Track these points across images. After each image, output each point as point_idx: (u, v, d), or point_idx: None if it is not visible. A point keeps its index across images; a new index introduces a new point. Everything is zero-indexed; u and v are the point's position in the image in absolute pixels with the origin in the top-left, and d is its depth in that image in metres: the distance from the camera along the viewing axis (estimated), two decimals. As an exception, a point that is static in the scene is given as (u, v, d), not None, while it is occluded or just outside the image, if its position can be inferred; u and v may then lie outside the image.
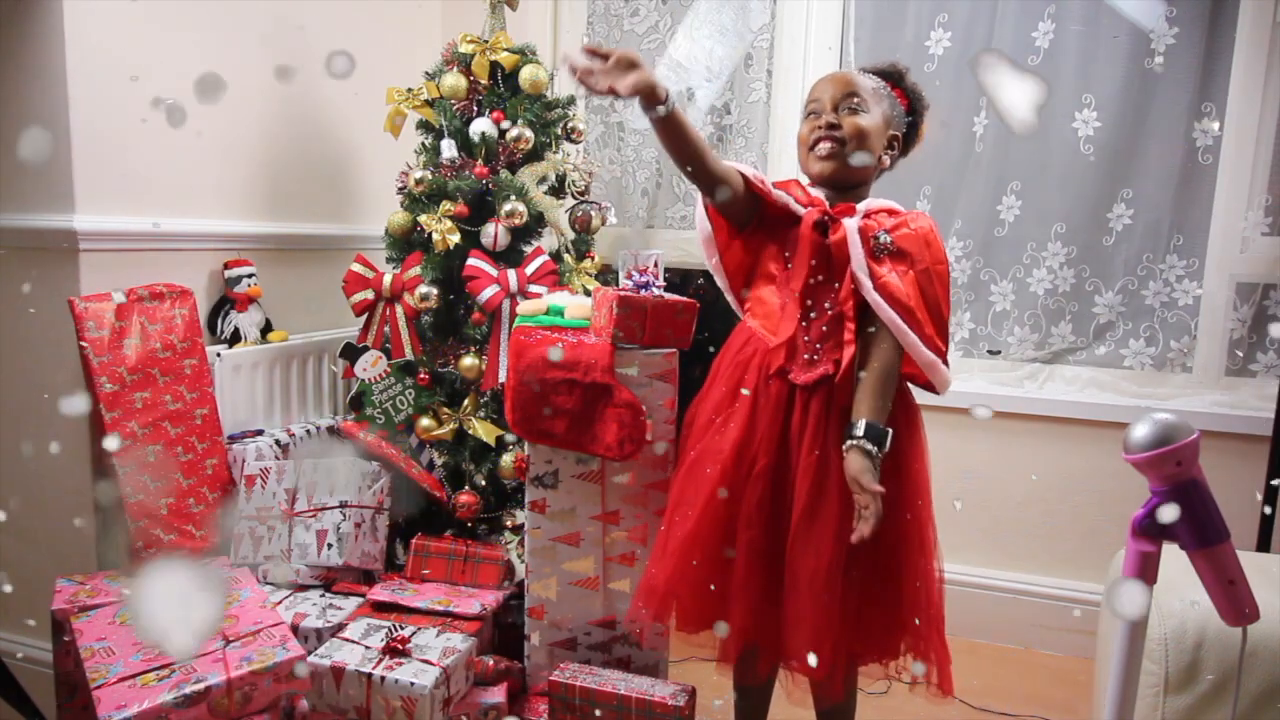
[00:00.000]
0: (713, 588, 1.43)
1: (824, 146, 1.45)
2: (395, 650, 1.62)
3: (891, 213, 1.47)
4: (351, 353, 2.09)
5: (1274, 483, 1.95)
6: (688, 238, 2.65)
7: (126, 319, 1.81)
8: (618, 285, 1.71)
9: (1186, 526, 0.95)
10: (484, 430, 2.03)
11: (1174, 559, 1.00)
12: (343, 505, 1.88)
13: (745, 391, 1.46)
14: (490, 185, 2.04)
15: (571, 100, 2.20)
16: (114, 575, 1.78)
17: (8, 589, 1.74)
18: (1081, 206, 2.29)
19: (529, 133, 2.06)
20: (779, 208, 1.47)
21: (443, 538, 2.00)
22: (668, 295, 1.67)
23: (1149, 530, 0.98)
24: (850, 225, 1.42)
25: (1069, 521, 2.34)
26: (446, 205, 2.02)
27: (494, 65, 2.08)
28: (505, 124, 2.07)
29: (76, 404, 1.80)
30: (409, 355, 2.07)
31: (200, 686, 1.37)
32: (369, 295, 2.08)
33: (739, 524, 1.42)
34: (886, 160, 1.52)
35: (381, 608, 1.80)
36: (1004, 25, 2.29)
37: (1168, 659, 1.43)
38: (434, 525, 2.10)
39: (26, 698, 1.54)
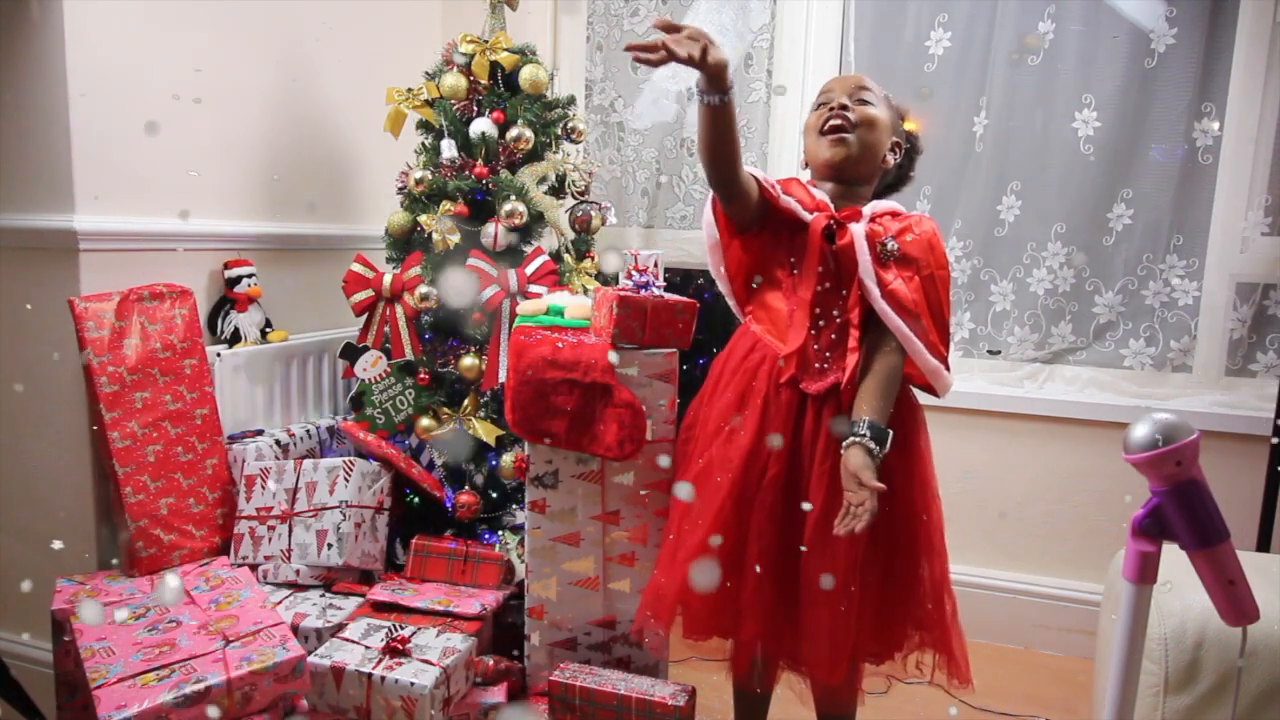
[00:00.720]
0: (727, 583, 1.43)
1: (833, 127, 1.45)
2: (395, 650, 1.62)
3: (896, 215, 1.48)
4: (351, 353, 2.09)
5: None
6: (688, 238, 2.65)
7: (126, 319, 1.81)
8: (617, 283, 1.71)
9: (1186, 526, 0.95)
10: (484, 430, 2.03)
11: (1174, 559, 1.00)
12: (343, 505, 1.88)
13: (736, 420, 1.46)
14: (490, 185, 2.04)
15: (571, 100, 2.20)
16: (114, 575, 1.78)
17: (25, 586, 1.73)
18: (1081, 206, 2.29)
19: (529, 133, 2.06)
20: (785, 211, 1.47)
21: (443, 538, 2.00)
22: (668, 295, 1.67)
23: (1149, 530, 0.98)
24: (857, 231, 1.42)
25: (1069, 521, 2.34)
26: (446, 205, 2.02)
27: (494, 65, 2.08)
28: (505, 124, 2.07)
29: (76, 404, 1.80)
30: (409, 355, 2.07)
31: (200, 686, 1.37)
32: (369, 295, 2.09)
33: (751, 533, 1.42)
34: (890, 161, 1.52)
35: (381, 608, 1.80)
36: (1004, 25, 2.29)
37: (1168, 659, 1.43)
38: (434, 525, 2.10)
39: (26, 698, 1.54)
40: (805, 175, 1.58)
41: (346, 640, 1.66)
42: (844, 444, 1.34)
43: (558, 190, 2.21)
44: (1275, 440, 1.97)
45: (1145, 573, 0.99)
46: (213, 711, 1.37)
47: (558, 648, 1.76)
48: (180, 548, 1.84)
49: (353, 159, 2.48)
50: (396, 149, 2.20)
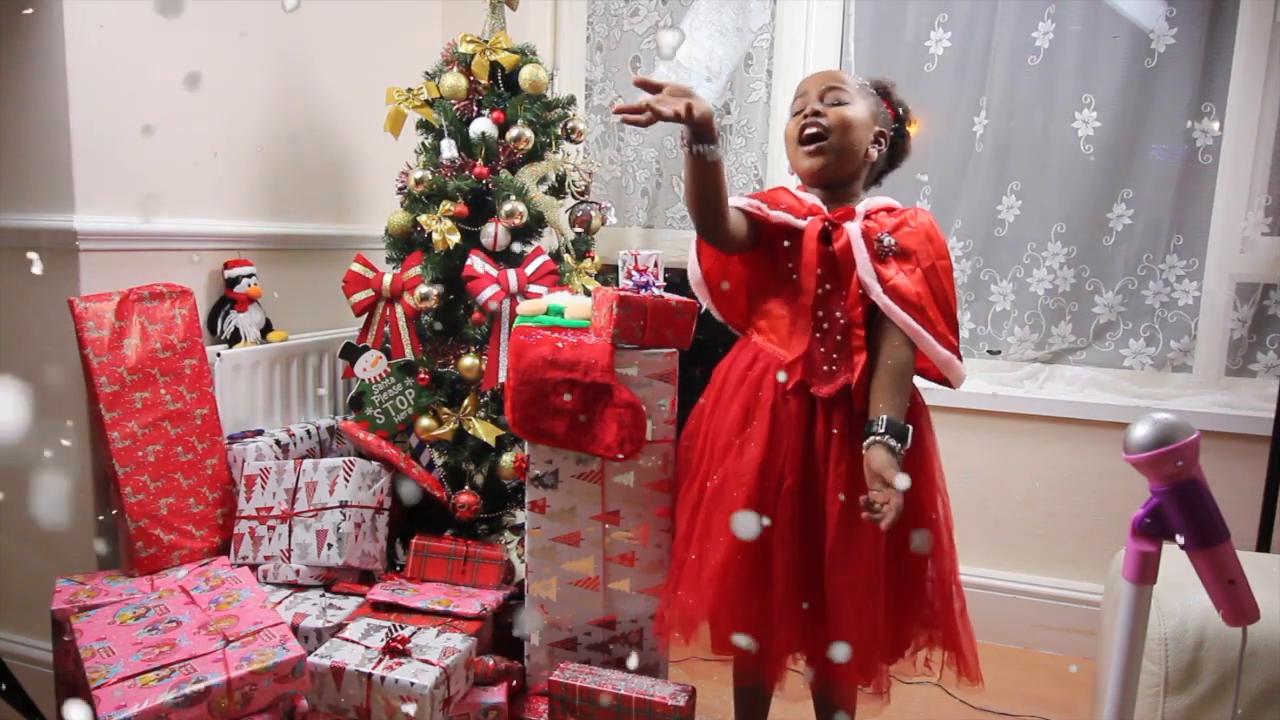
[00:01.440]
0: (757, 597, 1.42)
1: (810, 134, 1.44)
2: (395, 650, 1.62)
3: (890, 210, 1.47)
4: (351, 353, 2.09)
5: None
6: (688, 238, 2.63)
7: (126, 319, 1.81)
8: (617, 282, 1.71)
9: (1186, 526, 0.95)
10: (484, 430, 2.03)
11: (1174, 559, 1.00)
12: (343, 505, 1.88)
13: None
14: (490, 185, 2.04)
15: (571, 100, 2.20)
16: (114, 575, 1.78)
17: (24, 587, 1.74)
18: (1081, 206, 2.29)
19: (529, 133, 2.05)
20: (778, 225, 1.46)
21: (443, 538, 2.00)
22: (668, 295, 1.67)
23: (1149, 530, 0.98)
24: (853, 230, 1.42)
25: (1069, 521, 2.34)
26: (446, 205, 2.02)
27: (494, 65, 2.08)
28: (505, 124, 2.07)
29: (76, 404, 1.80)
30: (409, 355, 2.07)
31: (200, 686, 1.37)
32: (369, 295, 2.09)
33: (775, 544, 1.41)
34: (874, 154, 1.50)
35: (381, 608, 1.80)
36: (1004, 25, 2.29)
37: (1168, 659, 1.43)
38: (434, 525, 2.10)
39: (26, 698, 1.54)
40: (794, 181, 1.57)
41: (346, 640, 1.66)
42: (865, 444, 1.32)
43: (558, 190, 2.21)
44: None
45: (1145, 573, 0.99)
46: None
47: (558, 648, 1.76)
48: (180, 548, 1.84)
49: (353, 159, 2.47)
50: (396, 149, 2.20)
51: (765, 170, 2.55)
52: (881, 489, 1.27)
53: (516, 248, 2.05)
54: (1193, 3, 2.15)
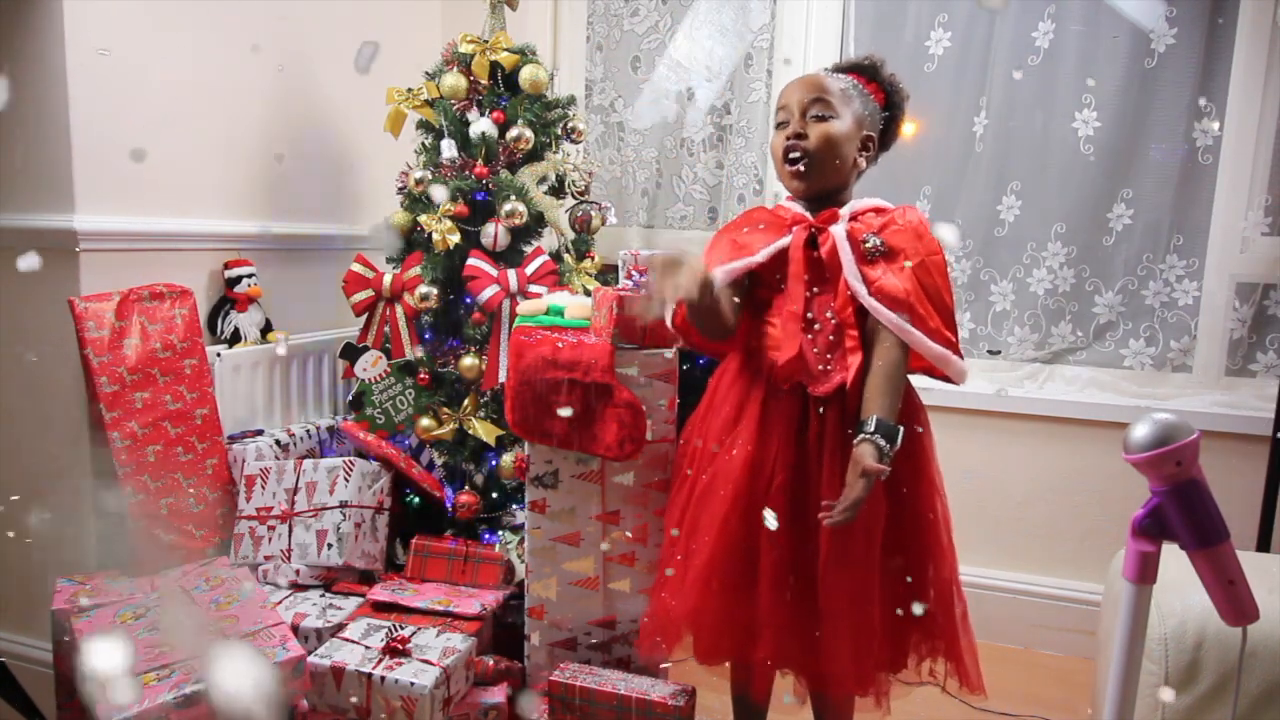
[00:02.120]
0: (740, 602, 1.41)
1: (793, 158, 1.43)
2: (395, 650, 1.62)
3: (879, 211, 1.45)
4: (351, 353, 2.09)
5: None
6: (688, 238, 2.65)
7: (126, 319, 1.81)
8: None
9: (1186, 526, 0.95)
10: (484, 430, 2.03)
11: (1174, 559, 1.00)
12: (343, 505, 1.88)
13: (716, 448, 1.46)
14: (490, 185, 2.05)
15: (571, 100, 2.20)
16: (114, 575, 1.78)
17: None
18: (1081, 206, 2.29)
19: (529, 133, 2.06)
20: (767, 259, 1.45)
21: (443, 538, 2.00)
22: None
23: (1149, 530, 0.98)
24: (838, 233, 1.41)
25: (1069, 521, 2.34)
26: (446, 205, 2.02)
27: (494, 65, 2.08)
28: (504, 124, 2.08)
29: (76, 404, 1.80)
30: (409, 355, 2.07)
31: (200, 686, 1.37)
32: (369, 295, 2.09)
33: (762, 545, 1.39)
34: (862, 162, 1.48)
35: (381, 608, 1.80)
36: (1004, 25, 2.29)
37: (1168, 659, 1.43)
38: (434, 525, 2.10)
39: (26, 698, 1.54)
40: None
41: (346, 640, 1.67)
42: (855, 441, 1.31)
43: (558, 190, 2.21)
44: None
45: (1145, 573, 0.99)
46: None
47: (558, 648, 1.76)
48: (180, 548, 1.84)
49: (353, 159, 2.48)
50: (396, 149, 2.20)
51: (765, 170, 2.55)
52: (854, 481, 1.26)
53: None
54: (1193, 3, 2.14)
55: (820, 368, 1.41)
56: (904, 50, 2.40)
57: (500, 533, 2.05)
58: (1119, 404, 2.28)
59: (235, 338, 2.08)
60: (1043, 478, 2.35)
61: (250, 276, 2.10)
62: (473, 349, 2.06)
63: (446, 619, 1.77)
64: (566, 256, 2.17)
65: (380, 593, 1.84)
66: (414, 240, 2.10)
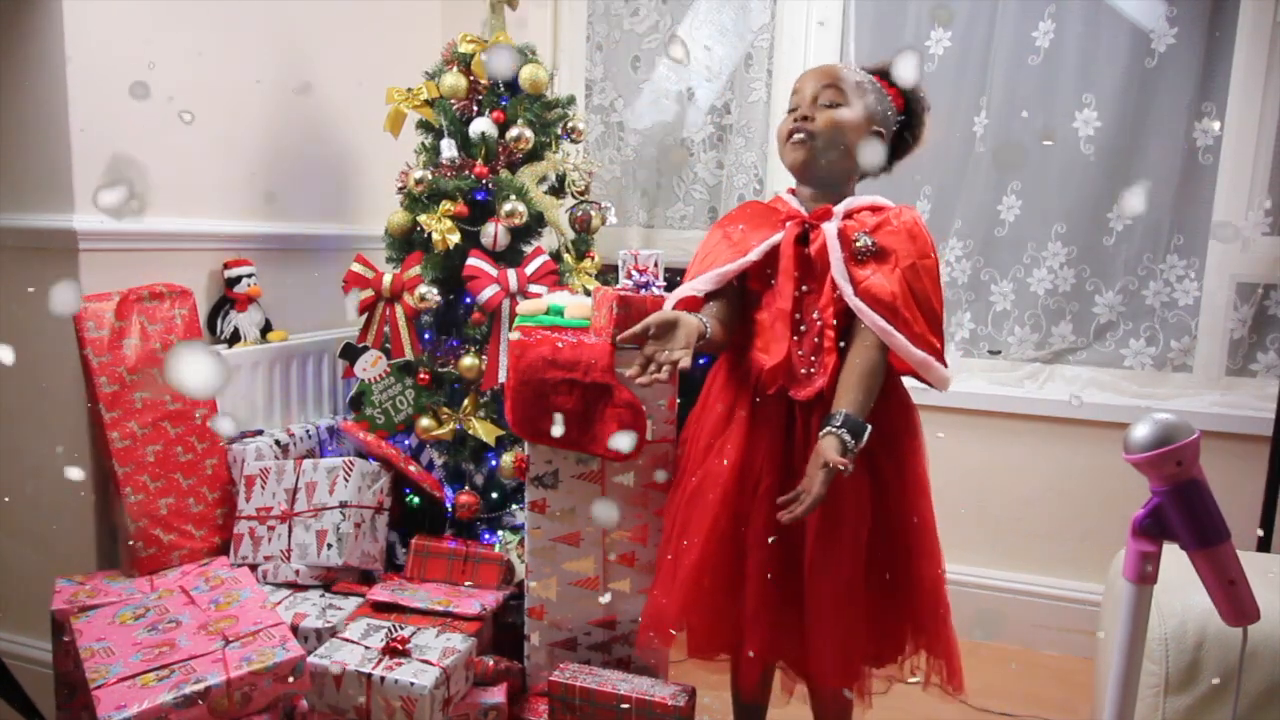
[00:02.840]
0: (729, 600, 1.42)
1: (793, 141, 1.43)
2: (395, 650, 1.62)
3: (875, 210, 1.44)
4: (351, 353, 2.09)
5: None
6: (688, 238, 2.65)
7: (126, 319, 1.81)
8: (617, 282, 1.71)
9: (1186, 526, 0.95)
10: (484, 430, 2.03)
11: (1174, 559, 1.00)
12: (343, 505, 1.88)
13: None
14: (490, 185, 2.04)
15: (571, 100, 2.20)
16: (114, 575, 1.78)
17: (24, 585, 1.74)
18: (1081, 206, 2.29)
19: (529, 133, 2.05)
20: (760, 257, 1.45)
21: (443, 538, 2.00)
22: (668, 295, 1.67)
23: (1149, 530, 0.98)
24: (829, 230, 1.40)
25: (1069, 521, 2.34)
26: (446, 205, 2.02)
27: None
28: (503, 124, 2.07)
29: (76, 404, 1.80)
30: (409, 355, 2.07)
31: (200, 686, 1.37)
32: (369, 295, 2.08)
33: (748, 546, 1.40)
34: (867, 155, 1.47)
35: (381, 608, 1.80)
36: (1004, 25, 2.29)
37: (1168, 659, 1.43)
38: (434, 525, 2.10)
39: (26, 698, 1.54)
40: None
41: (346, 640, 1.66)
42: (820, 434, 1.30)
43: (558, 190, 2.21)
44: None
45: (1145, 573, 0.99)
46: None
47: (558, 648, 1.76)
48: (180, 548, 1.84)
49: (353, 159, 2.47)
50: (396, 149, 2.20)
51: (765, 170, 2.55)
52: (814, 473, 1.25)
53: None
54: (1193, 3, 2.14)
55: (804, 371, 1.40)
56: (904, 50, 2.39)
57: (500, 533, 2.05)
58: (1119, 404, 2.28)
59: (235, 338, 2.08)
60: (1043, 478, 2.35)
61: (250, 276, 2.10)
62: (473, 349, 2.06)
63: (446, 619, 1.77)
64: (566, 256, 2.17)
65: (380, 593, 1.84)
66: (414, 240, 2.10)
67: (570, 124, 2.17)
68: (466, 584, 1.92)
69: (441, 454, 2.11)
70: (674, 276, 1.73)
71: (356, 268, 2.10)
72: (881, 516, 1.39)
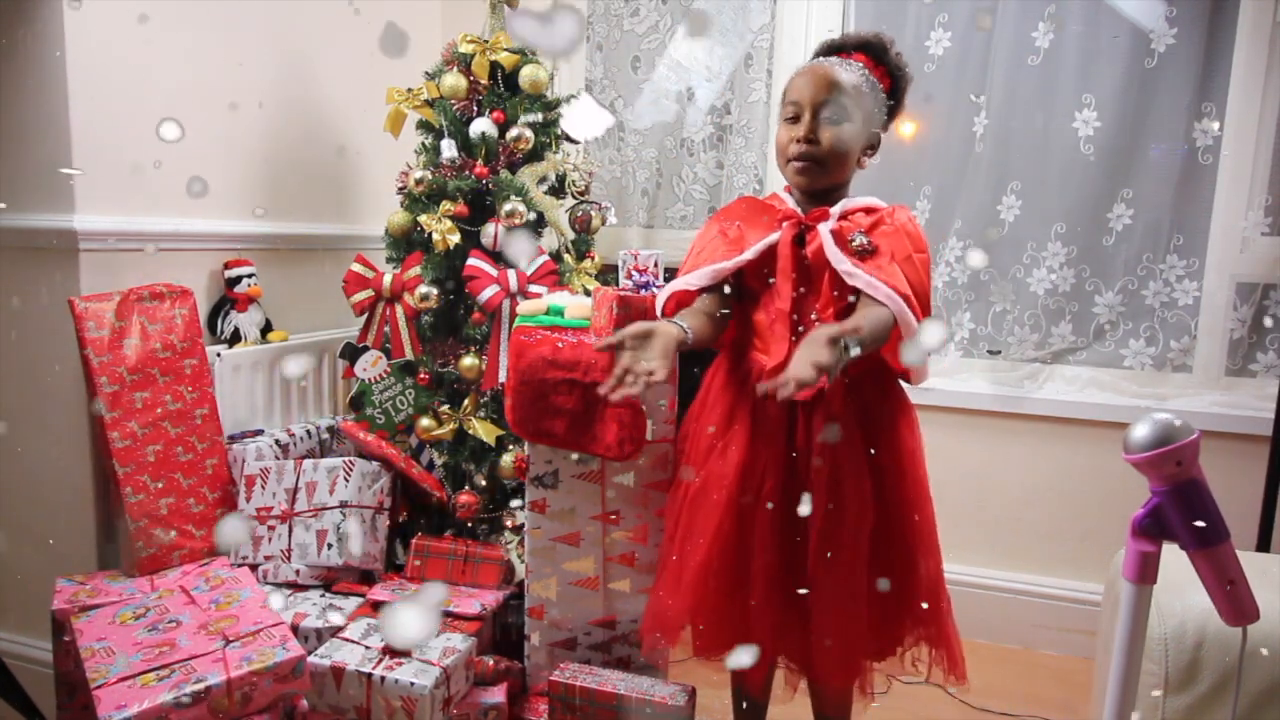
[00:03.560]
0: (735, 600, 1.42)
1: (799, 164, 1.42)
2: (395, 650, 1.62)
3: (870, 210, 1.44)
4: (351, 353, 2.09)
5: None
6: (688, 238, 2.64)
7: (126, 319, 1.81)
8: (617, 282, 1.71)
9: (1186, 526, 0.95)
10: (484, 430, 2.03)
11: (1174, 559, 1.00)
12: (343, 505, 1.88)
13: (711, 429, 1.46)
14: (490, 185, 2.04)
15: (572, 100, 2.20)
16: (114, 575, 1.78)
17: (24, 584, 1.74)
18: (1081, 206, 2.29)
19: (529, 133, 2.05)
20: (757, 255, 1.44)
21: (443, 538, 2.00)
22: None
23: (1149, 530, 0.98)
24: (824, 230, 1.40)
25: (1069, 521, 2.34)
26: (446, 205, 2.02)
27: (494, 65, 2.08)
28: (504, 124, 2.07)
29: (76, 404, 1.80)
30: (409, 355, 2.07)
31: (200, 686, 1.37)
32: (369, 295, 2.09)
33: (754, 547, 1.40)
34: (865, 162, 1.48)
35: (382, 608, 1.80)
36: (1004, 25, 2.29)
37: (1168, 659, 1.43)
38: (434, 525, 2.10)
39: (26, 698, 1.54)
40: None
41: (346, 640, 1.66)
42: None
43: (558, 190, 2.20)
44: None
45: (1145, 573, 0.99)
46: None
47: (558, 648, 1.76)
48: (180, 548, 1.84)
49: (353, 159, 2.47)
50: (396, 149, 2.20)
51: (765, 170, 2.55)
52: (800, 356, 1.15)
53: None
54: (1193, 3, 2.14)
55: None
56: (904, 50, 2.37)
57: (500, 533, 2.05)
58: (1119, 404, 2.28)
59: (235, 338, 2.08)
60: (1043, 478, 2.35)
61: (250, 276, 2.10)
62: (473, 349, 2.06)
63: (446, 619, 1.77)
64: (566, 256, 2.17)
65: (380, 593, 1.84)
66: (414, 240, 2.10)
67: (570, 124, 2.17)
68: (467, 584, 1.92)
69: (441, 454, 2.11)
70: (673, 277, 1.73)
71: (356, 268, 2.10)
72: (882, 515, 1.40)
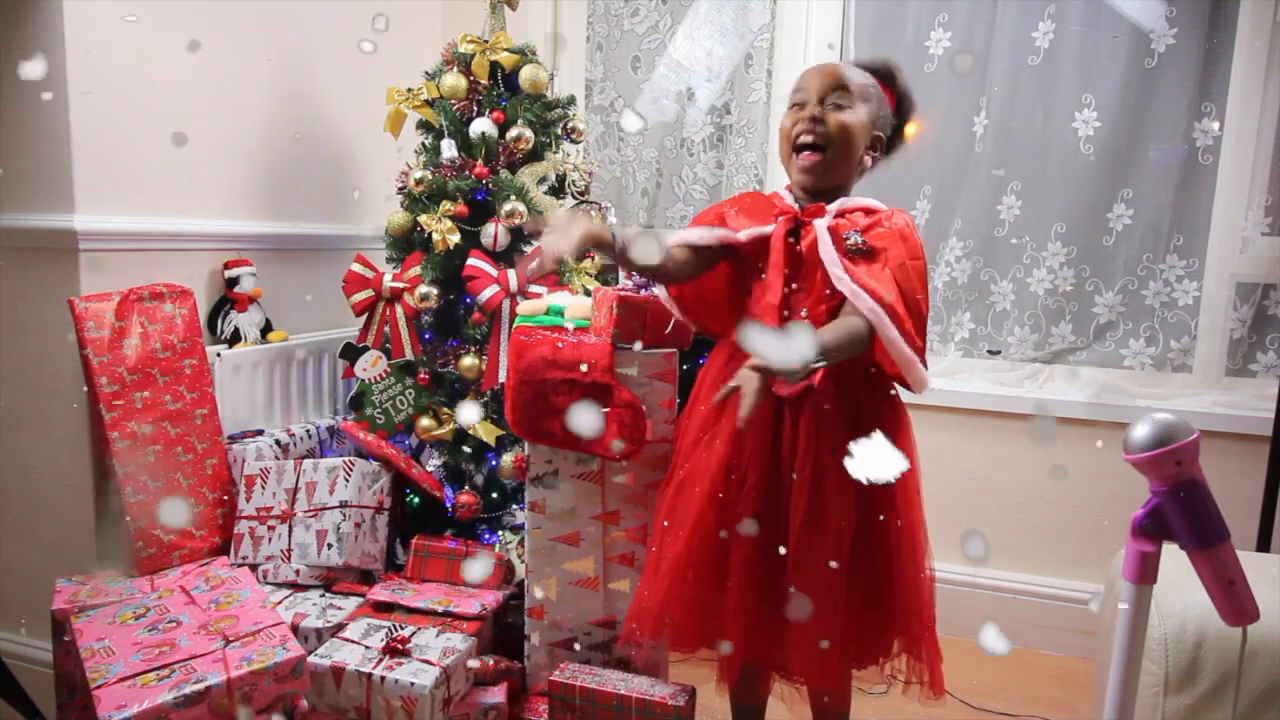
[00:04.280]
0: (711, 594, 1.42)
1: (807, 142, 1.42)
2: (395, 650, 1.62)
3: (868, 211, 1.43)
4: (351, 353, 2.09)
5: None
6: (688, 238, 2.64)
7: (126, 319, 1.81)
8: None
9: (1186, 526, 0.95)
10: (484, 430, 2.03)
11: (1174, 559, 1.00)
12: (343, 505, 1.88)
13: (704, 406, 1.46)
14: (490, 185, 2.04)
15: (571, 100, 2.20)
16: (114, 575, 1.78)
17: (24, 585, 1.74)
18: (1081, 206, 2.29)
19: (529, 133, 2.05)
20: (749, 239, 1.44)
21: (443, 538, 2.00)
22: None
23: (1149, 530, 0.98)
24: (820, 226, 1.39)
25: (1069, 521, 2.33)
26: (446, 205, 2.02)
27: (494, 65, 2.08)
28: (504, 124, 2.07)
29: (76, 404, 1.80)
30: (409, 355, 2.07)
31: (200, 686, 1.37)
32: (369, 295, 2.09)
33: (732, 542, 1.40)
34: (868, 161, 1.47)
35: (381, 608, 1.80)
36: (1004, 25, 2.29)
37: (1168, 659, 1.43)
38: (434, 525, 2.10)
39: (26, 698, 1.54)
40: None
41: (346, 640, 1.67)
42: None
43: (558, 190, 2.20)
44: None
45: (1145, 573, 0.99)
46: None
47: (558, 648, 1.76)
48: (180, 548, 1.84)
49: (353, 159, 2.47)
50: (397, 149, 2.20)
51: (765, 170, 2.55)
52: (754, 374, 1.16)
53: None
54: (1193, 3, 2.14)
55: None
56: (904, 50, 2.40)
57: (500, 533, 2.05)
58: (1119, 404, 2.28)
59: (235, 338, 2.08)
60: (1043, 478, 2.35)
61: (250, 276, 2.10)
62: (473, 349, 2.06)
63: (446, 619, 1.77)
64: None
65: (380, 593, 1.84)
66: (414, 240, 2.10)
67: (570, 124, 2.17)
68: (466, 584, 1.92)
69: (441, 454, 2.11)
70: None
71: (356, 268, 2.10)
72: (866, 518, 1.39)
